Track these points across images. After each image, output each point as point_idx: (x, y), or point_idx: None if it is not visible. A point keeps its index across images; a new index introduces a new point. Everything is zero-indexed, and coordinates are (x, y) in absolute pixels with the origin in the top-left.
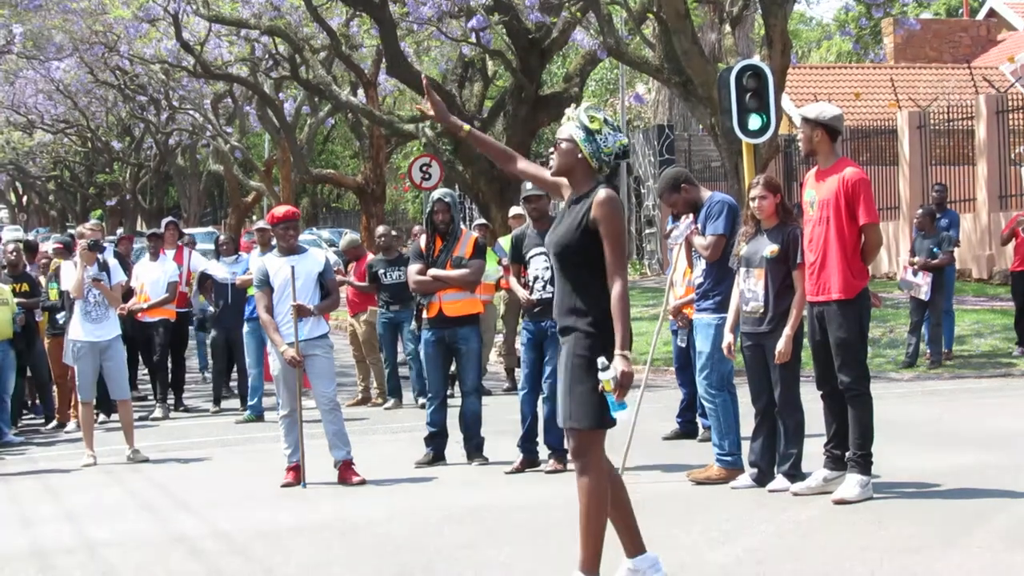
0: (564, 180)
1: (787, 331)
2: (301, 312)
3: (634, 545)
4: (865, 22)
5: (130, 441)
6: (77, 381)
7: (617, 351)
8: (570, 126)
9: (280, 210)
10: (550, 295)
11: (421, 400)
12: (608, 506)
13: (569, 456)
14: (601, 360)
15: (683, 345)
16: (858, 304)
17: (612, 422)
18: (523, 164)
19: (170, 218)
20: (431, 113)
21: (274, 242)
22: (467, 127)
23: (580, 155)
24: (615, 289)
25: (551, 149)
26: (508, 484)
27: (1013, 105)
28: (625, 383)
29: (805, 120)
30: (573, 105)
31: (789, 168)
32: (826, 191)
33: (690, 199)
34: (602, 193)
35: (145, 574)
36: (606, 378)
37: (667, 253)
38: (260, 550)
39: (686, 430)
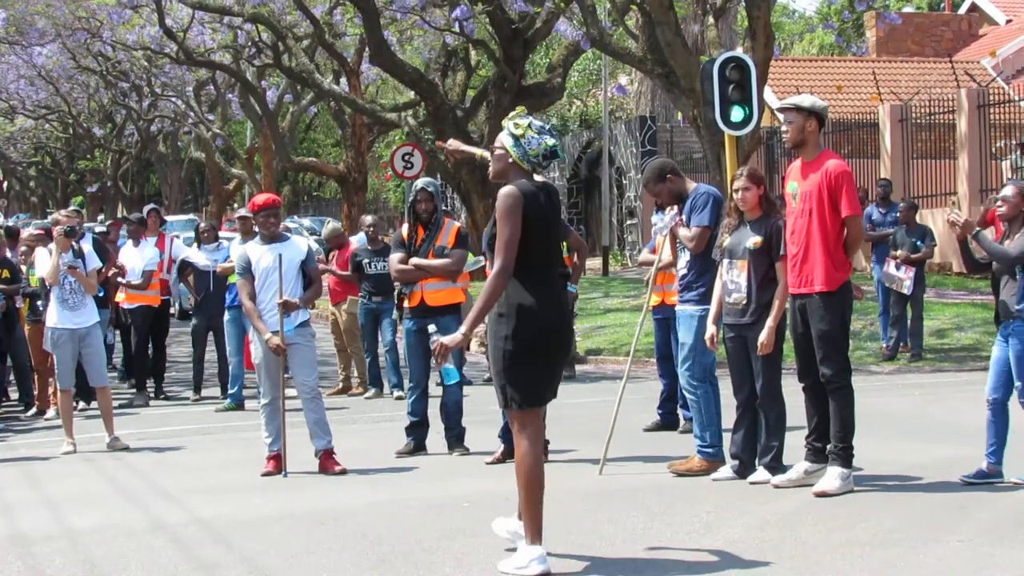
0: None
1: (770, 322)
2: (288, 307)
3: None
4: (848, 15)
5: (109, 429)
6: (57, 368)
7: (462, 325)
8: (502, 134)
9: (261, 198)
10: None
11: (397, 393)
12: (529, 478)
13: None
14: (431, 326)
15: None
16: (840, 296)
17: (532, 403)
18: None
19: (152, 205)
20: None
21: (256, 230)
22: (480, 152)
23: (511, 159)
24: (493, 271)
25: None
26: (489, 474)
27: (994, 99)
28: (440, 352)
29: (798, 109)
30: (510, 115)
31: (771, 160)
32: (809, 183)
33: (675, 190)
34: (500, 191)
35: (126, 562)
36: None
37: (647, 244)
38: (241, 538)
39: (667, 421)
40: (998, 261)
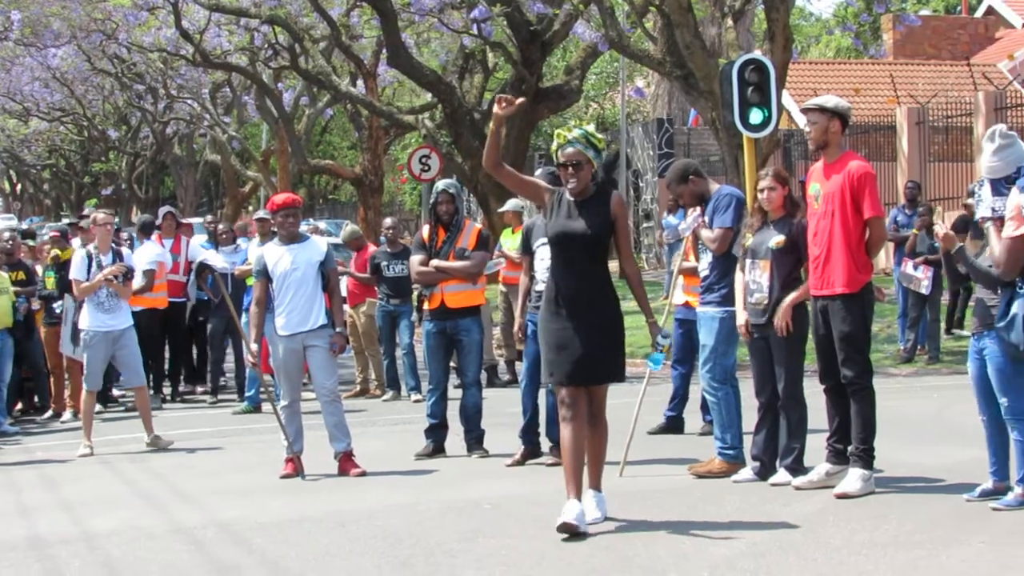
0: (544, 184)
1: (787, 300)
2: (339, 352)
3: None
4: (866, 17)
5: (148, 428)
6: (86, 370)
7: (649, 320)
8: (580, 148)
9: (280, 197)
10: None
11: (415, 396)
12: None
13: (596, 408)
14: (659, 335)
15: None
16: (862, 298)
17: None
18: (509, 169)
19: (168, 208)
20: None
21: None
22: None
23: (593, 169)
24: (634, 268)
25: (569, 169)
26: (509, 476)
27: (1011, 102)
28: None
29: (822, 110)
30: (574, 122)
31: (788, 163)
32: (832, 184)
33: (697, 191)
34: (615, 195)
35: (145, 564)
36: (665, 343)
37: (663, 249)
38: (261, 541)
39: (672, 424)
40: (980, 281)
